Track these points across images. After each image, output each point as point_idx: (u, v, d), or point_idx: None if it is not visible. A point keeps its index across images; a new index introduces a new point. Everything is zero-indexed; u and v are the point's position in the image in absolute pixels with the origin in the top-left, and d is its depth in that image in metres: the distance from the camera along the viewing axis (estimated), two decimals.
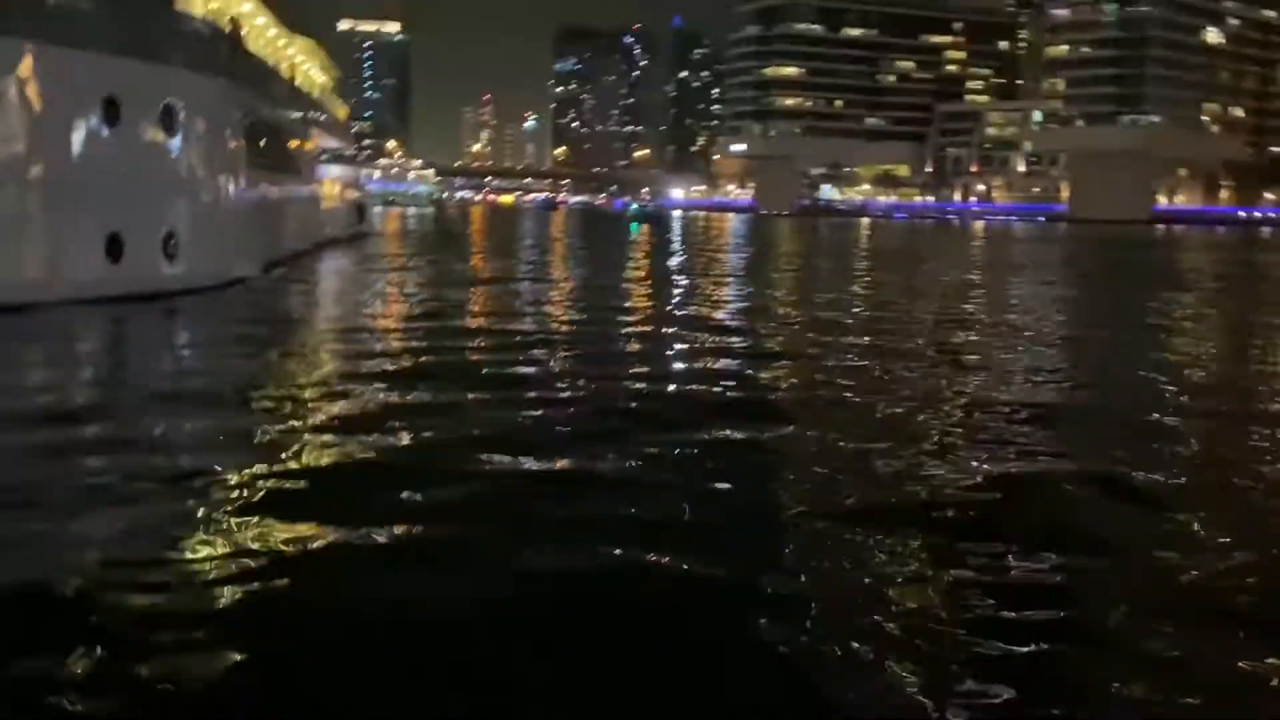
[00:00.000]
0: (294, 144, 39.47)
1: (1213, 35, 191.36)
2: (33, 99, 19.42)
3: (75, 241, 20.32)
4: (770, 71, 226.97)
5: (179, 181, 23.21)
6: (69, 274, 20.08)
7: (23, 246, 19.70)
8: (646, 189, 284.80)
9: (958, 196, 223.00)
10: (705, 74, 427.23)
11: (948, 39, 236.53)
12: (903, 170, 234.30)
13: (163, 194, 22.65)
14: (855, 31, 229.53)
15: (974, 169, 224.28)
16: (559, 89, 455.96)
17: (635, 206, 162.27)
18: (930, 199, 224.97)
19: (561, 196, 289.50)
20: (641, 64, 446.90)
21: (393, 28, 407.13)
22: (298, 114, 41.81)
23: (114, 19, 21.09)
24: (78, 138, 20.53)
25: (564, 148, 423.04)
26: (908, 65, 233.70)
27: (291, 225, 37.04)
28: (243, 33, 27.45)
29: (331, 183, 52.83)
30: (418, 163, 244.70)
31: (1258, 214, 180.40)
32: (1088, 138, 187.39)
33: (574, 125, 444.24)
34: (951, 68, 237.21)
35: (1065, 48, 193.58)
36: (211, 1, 25.12)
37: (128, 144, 21.46)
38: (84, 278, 20.32)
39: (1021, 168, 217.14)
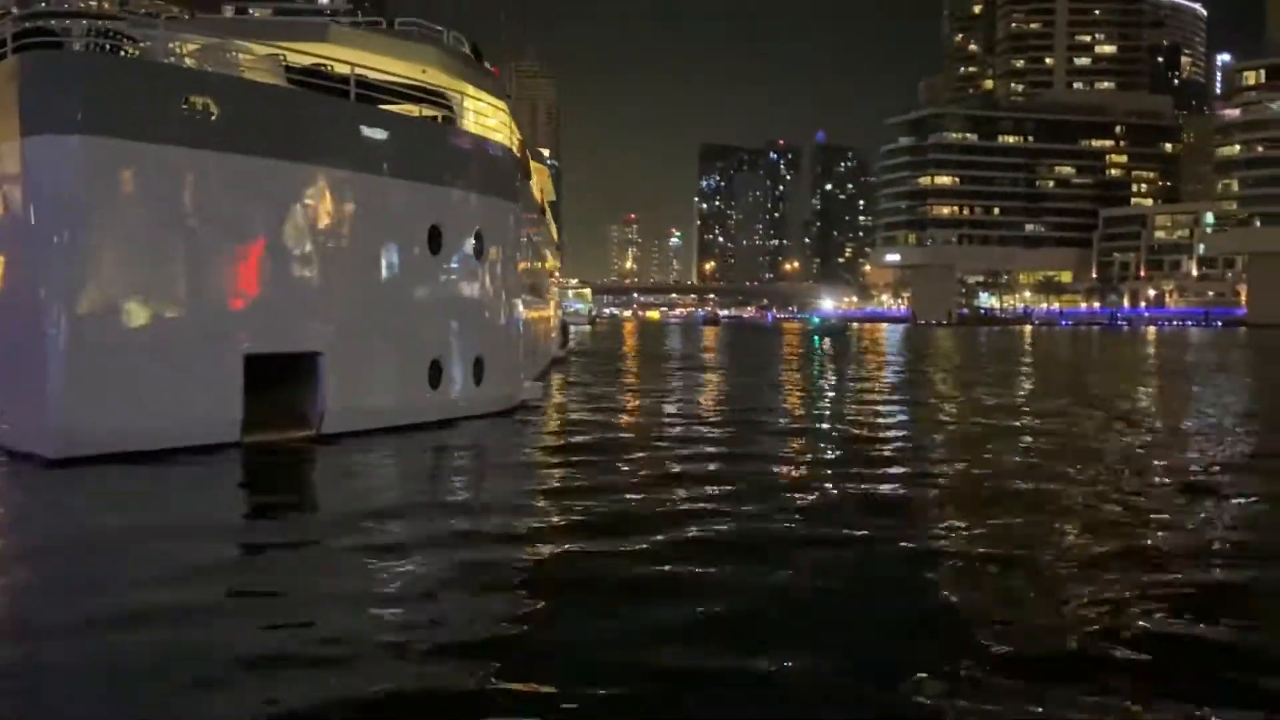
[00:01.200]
0: (542, 265, 39.75)
1: None
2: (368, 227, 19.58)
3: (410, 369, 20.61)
4: (925, 181, 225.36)
5: (486, 307, 23.15)
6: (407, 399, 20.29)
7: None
8: (793, 303, 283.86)
9: (1126, 302, 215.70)
10: (850, 186, 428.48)
11: (1109, 143, 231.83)
12: (1065, 276, 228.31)
13: (475, 320, 22.58)
14: (1010, 139, 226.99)
15: (1142, 273, 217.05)
16: (704, 205, 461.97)
17: (817, 320, 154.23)
18: (1096, 305, 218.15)
19: (703, 310, 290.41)
20: (785, 178, 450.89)
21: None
22: (544, 235, 42.24)
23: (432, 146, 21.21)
24: (406, 265, 20.40)
25: (711, 262, 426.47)
26: (1067, 170, 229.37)
27: (540, 345, 37.13)
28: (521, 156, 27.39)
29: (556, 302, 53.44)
30: (574, 280, 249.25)
31: None
32: (1266, 239, 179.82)
33: (719, 240, 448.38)
34: (1114, 171, 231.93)
35: (1237, 148, 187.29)
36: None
37: (448, 272, 21.44)
38: (417, 403, 20.40)
39: (1194, 270, 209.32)
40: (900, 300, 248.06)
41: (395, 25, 21.89)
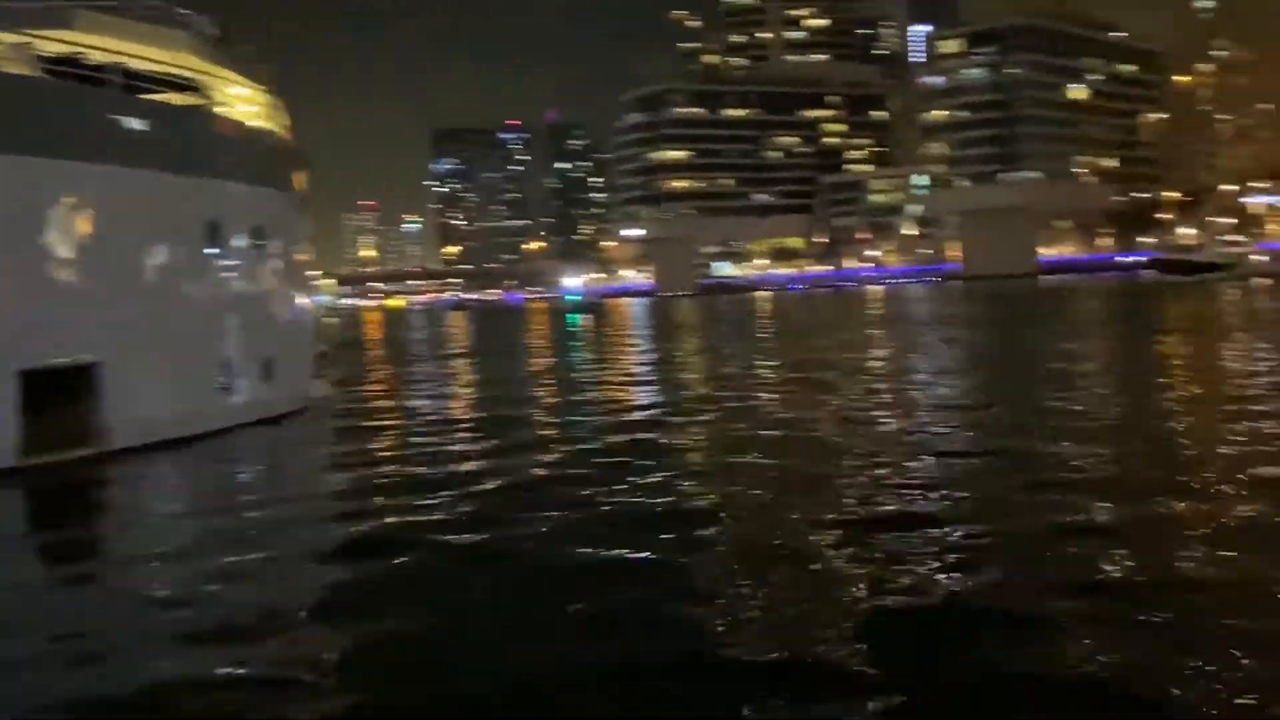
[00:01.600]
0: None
1: (1077, 92, 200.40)
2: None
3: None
4: (657, 156, 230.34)
5: (272, 303, 22.20)
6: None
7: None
8: (539, 282, 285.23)
9: (851, 263, 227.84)
10: (585, 164, 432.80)
11: (826, 112, 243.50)
12: (796, 242, 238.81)
13: (262, 317, 21.65)
14: (736, 112, 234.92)
15: (863, 236, 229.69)
16: (441, 188, 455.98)
17: (573, 296, 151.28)
18: (825, 268, 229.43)
19: (449, 295, 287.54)
20: (521, 158, 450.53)
21: None
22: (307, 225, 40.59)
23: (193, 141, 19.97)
24: (183, 263, 19.29)
25: (453, 246, 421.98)
26: (790, 140, 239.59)
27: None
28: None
29: None
30: (318, 273, 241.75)
31: (1133, 258, 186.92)
32: (971, 198, 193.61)
33: (459, 223, 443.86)
34: (831, 140, 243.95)
35: (942, 113, 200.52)
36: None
37: (230, 269, 20.47)
38: (206, 410, 19.62)
39: (910, 231, 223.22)
40: (643, 273, 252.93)
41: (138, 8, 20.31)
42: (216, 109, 21.14)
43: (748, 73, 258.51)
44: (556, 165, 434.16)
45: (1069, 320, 51.65)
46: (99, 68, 18.15)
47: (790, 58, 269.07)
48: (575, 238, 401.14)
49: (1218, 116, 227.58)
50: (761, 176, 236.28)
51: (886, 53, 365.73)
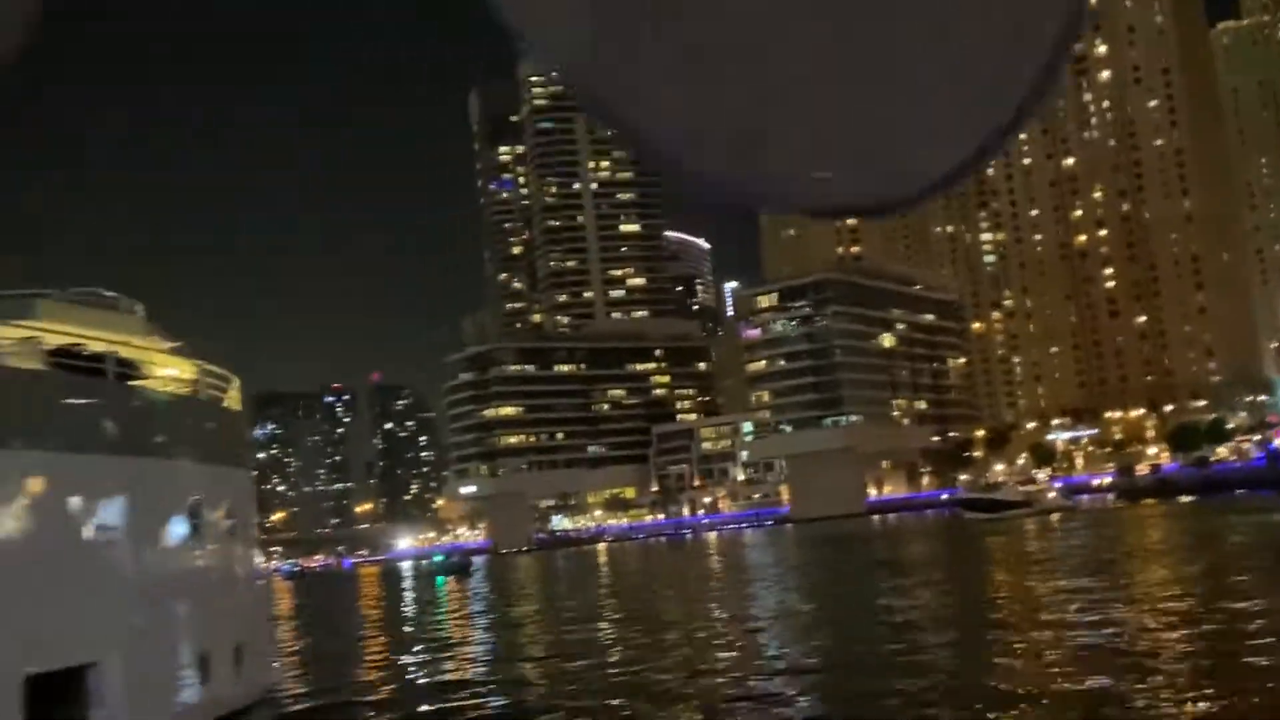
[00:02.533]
0: None
1: (888, 340, 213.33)
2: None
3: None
4: (490, 413, 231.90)
5: (241, 585, 21.48)
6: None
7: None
8: (368, 545, 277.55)
9: (686, 511, 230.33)
10: (409, 424, 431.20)
11: (651, 365, 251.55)
12: (630, 492, 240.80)
13: (235, 600, 20.86)
14: (565, 368, 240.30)
15: (697, 483, 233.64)
16: (261, 455, 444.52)
17: (440, 557, 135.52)
18: (660, 516, 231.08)
19: (288, 563, 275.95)
20: (344, 421, 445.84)
21: None
22: None
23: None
24: (172, 550, 18.71)
25: (276, 513, 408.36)
26: (619, 393, 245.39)
27: None
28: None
29: None
30: None
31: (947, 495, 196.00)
32: (798, 442, 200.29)
33: (280, 489, 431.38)
34: (659, 391, 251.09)
35: (763, 363, 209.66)
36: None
37: (208, 553, 19.82)
38: (190, 704, 18.56)
39: (740, 476, 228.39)
40: (477, 531, 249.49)
41: (72, 293, 20.06)
42: (201, 394, 21.15)
43: (574, 330, 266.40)
44: (384, 427, 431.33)
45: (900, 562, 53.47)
46: (98, 358, 17.93)
47: (615, 314, 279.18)
48: (405, 498, 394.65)
49: (1014, 359, 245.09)
50: (593, 429, 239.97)
51: (698, 307, 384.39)
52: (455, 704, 20.43)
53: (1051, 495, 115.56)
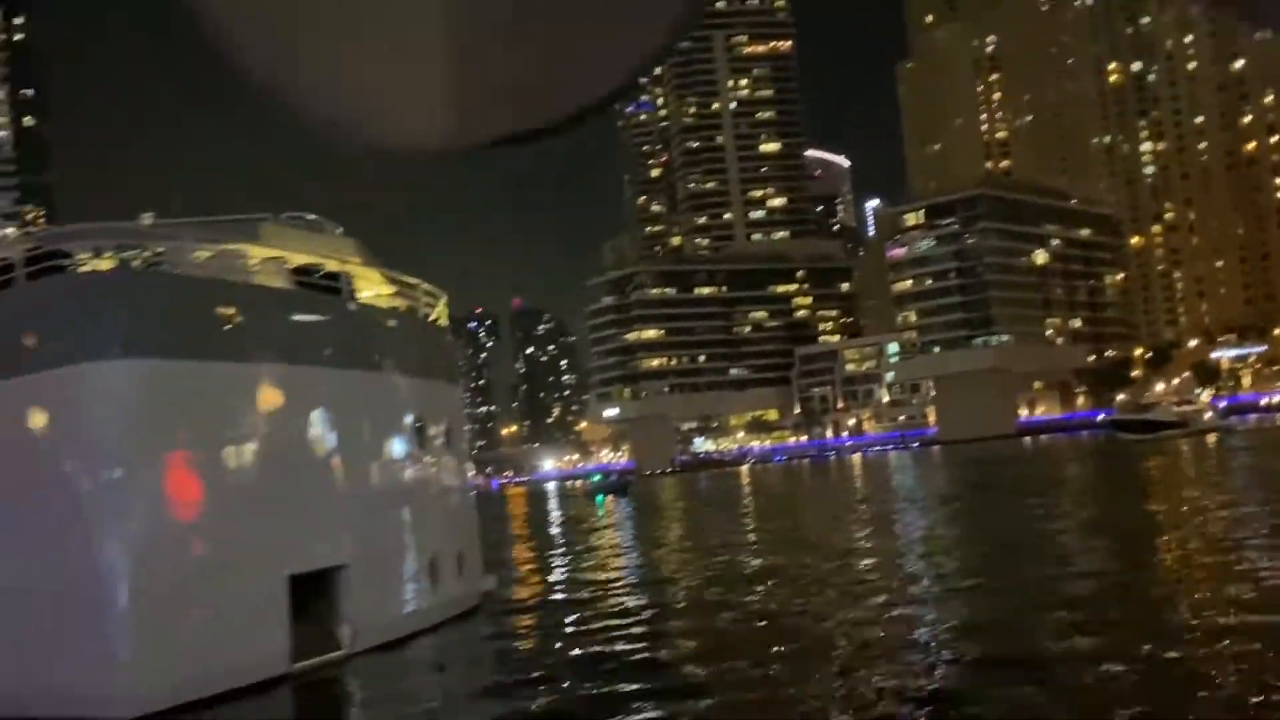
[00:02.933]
0: None
1: (1041, 257, 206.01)
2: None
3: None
4: (632, 336, 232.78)
5: (457, 497, 22.38)
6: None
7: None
8: (514, 467, 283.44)
9: (829, 433, 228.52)
10: (551, 348, 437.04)
11: (793, 286, 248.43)
12: (772, 414, 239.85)
13: (455, 511, 21.92)
14: (706, 290, 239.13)
15: (840, 405, 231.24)
16: None
17: (598, 477, 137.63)
18: (804, 438, 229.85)
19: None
20: (488, 345, 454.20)
21: None
22: None
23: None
24: (406, 463, 19.82)
25: None
26: (760, 315, 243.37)
27: None
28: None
29: None
30: None
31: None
32: (946, 363, 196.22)
33: None
34: (801, 313, 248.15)
35: (909, 283, 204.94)
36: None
37: (432, 465, 20.80)
38: (423, 606, 19.60)
39: (885, 398, 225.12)
40: (620, 453, 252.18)
41: (284, 218, 20.34)
42: (423, 312, 22.01)
43: (714, 252, 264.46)
44: (526, 351, 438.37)
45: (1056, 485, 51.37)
46: (333, 276, 18.68)
47: (755, 235, 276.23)
48: (547, 421, 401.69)
49: (1175, 275, 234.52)
50: (735, 351, 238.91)
51: (838, 227, 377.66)
52: (649, 603, 20.83)
53: (1208, 415, 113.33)
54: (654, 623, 18.63)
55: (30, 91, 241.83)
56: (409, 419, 19.92)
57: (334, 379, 17.64)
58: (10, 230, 18.77)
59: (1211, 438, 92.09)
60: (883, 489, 62.40)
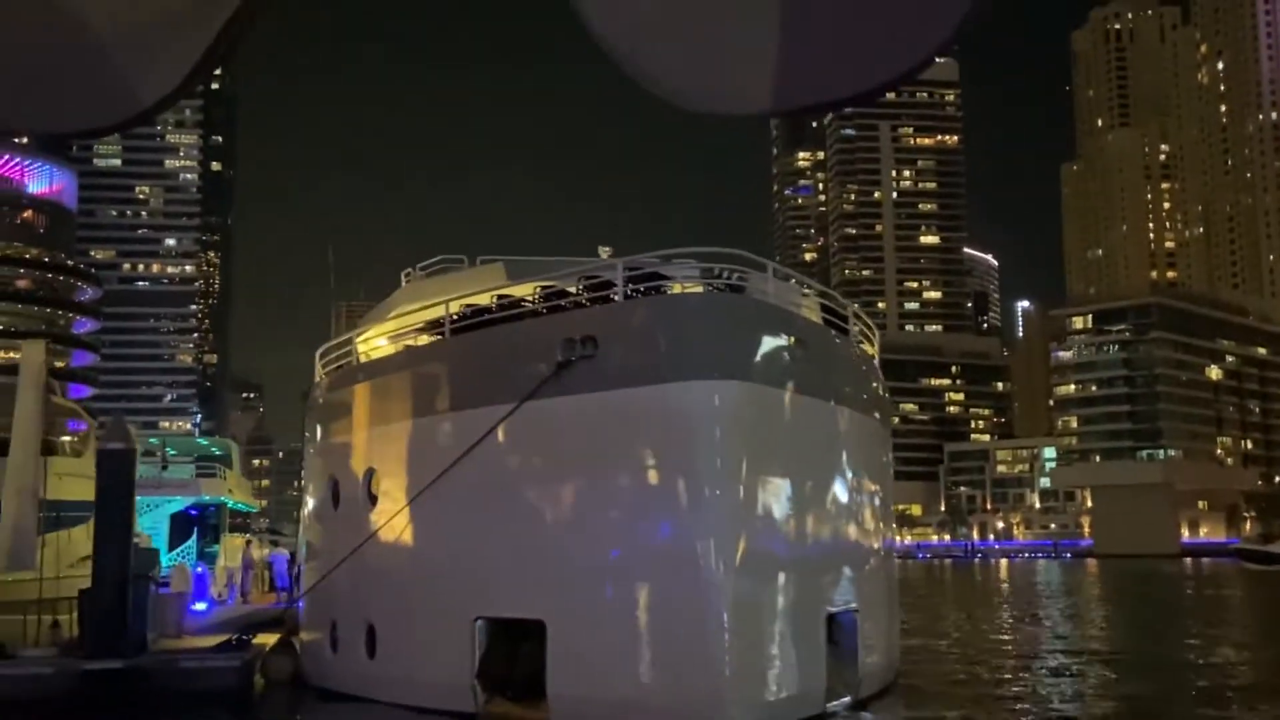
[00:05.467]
0: None
1: (1214, 372, 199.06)
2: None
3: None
4: None
5: (885, 548, 21.05)
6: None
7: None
8: None
9: (975, 534, 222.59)
10: None
11: (946, 381, 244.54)
12: (916, 509, 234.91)
13: (887, 565, 20.92)
14: None
15: (987, 506, 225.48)
16: None
17: None
18: (947, 537, 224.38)
19: None
20: None
21: None
22: None
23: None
24: (867, 506, 18.99)
25: None
26: (910, 407, 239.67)
27: None
28: None
29: None
30: None
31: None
32: (1107, 473, 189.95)
33: None
34: (952, 409, 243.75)
35: (1073, 387, 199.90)
36: None
37: (877, 514, 19.71)
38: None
39: (1037, 503, 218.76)
40: None
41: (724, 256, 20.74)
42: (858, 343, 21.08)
43: None
44: None
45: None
46: (841, 315, 19.25)
47: (908, 327, 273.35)
48: None
49: None
50: None
51: (986, 326, 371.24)
52: None
53: None
54: None
55: (219, 139, 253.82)
56: (886, 459, 20.19)
57: (848, 419, 17.82)
58: (606, 250, 19.42)
59: None
60: (1047, 597, 60.05)
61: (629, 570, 15.00)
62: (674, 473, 14.66)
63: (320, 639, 20.45)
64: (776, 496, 15.46)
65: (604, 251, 22.16)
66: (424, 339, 20.24)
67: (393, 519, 17.75)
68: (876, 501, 19.04)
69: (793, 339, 15.92)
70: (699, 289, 16.60)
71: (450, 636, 16.47)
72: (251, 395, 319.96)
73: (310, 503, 22.41)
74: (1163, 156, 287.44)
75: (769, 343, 15.46)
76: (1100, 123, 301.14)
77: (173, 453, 46.26)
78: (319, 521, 21.80)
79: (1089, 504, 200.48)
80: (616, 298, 16.03)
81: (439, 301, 18.27)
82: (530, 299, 17.72)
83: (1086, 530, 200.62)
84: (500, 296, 17.82)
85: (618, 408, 14.99)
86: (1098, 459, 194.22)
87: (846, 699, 16.62)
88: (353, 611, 19.08)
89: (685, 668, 14.20)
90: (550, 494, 15.90)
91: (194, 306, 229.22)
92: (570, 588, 15.46)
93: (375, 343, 22.87)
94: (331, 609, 19.88)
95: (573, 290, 17.29)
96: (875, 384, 20.55)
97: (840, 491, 17.23)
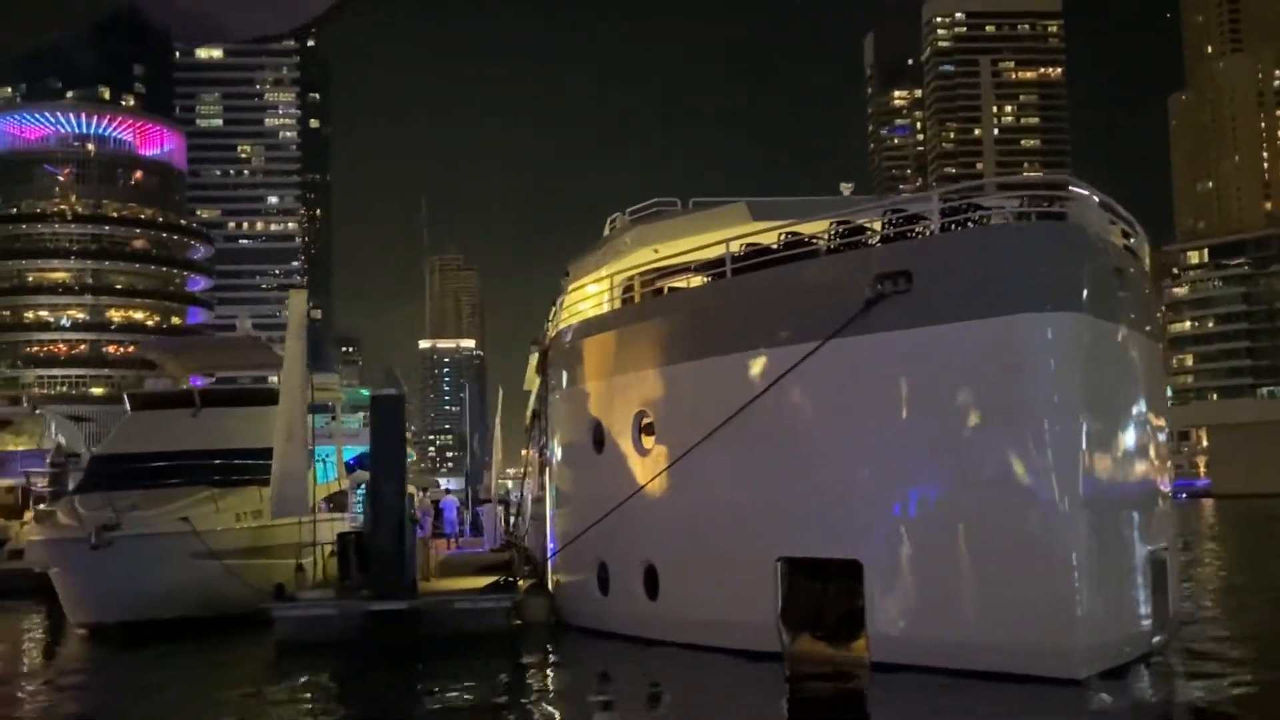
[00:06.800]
0: None
1: None
2: None
3: None
4: None
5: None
6: None
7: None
8: None
9: None
10: None
11: None
12: None
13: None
14: None
15: None
16: None
17: None
18: None
19: None
20: None
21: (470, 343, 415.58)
22: None
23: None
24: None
25: None
26: None
27: None
28: None
29: None
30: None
31: None
32: (1227, 411, 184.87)
33: None
34: None
35: (1188, 324, 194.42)
36: None
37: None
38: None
39: None
40: None
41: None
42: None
43: None
44: None
45: None
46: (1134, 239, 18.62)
47: None
48: None
49: None
50: None
51: None
52: None
53: None
54: None
55: (317, 96, 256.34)
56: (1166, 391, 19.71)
57: (1148, 350, 17.25)
58: (847, 187, 19.00)
59: None
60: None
61: (956, 510, 14.71)
62: (1007, 410, 14.35)
63: (583, 581, 20.50)
64: (1107, 433, 15.11)
65: (845, 189, 21.64)
66: (689, 281, 19.99)
67: (678, 461, 17.58)
68: (1162, 437, 18.34)
69: (1116, 269, 15.42)
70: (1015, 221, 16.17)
71: (752, 577, 16.34)
72: (351, 349, 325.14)
73: (558, 449, 22.38)
74: (1277, 83, 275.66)
75: (1098, 273, 14.99)
76: (1210, 50, 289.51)
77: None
78: (572, 466, 21.79)
79: (1204, 443, 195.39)
80: (931, 230, 15.62)
81: (719, 240, 17.93)
82: (821, 236, 17.31)
83: (1202, 470, 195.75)
84: (790, 234, 17.41)
85: (938, 343, 14.64)
86: (1214, 397, 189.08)
87: (1163, 638, 16.23)
88: (629, 554, 19.03)
89: (1029, 608, 13.95)
90: (860, 433, 15.58)
91: (296, 263, 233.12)
92: (890, 528, 15.21)
93: (588, 289, 22.67)
94: (599, 551, 19.86)
95: (874, 227, 16.86)
96: (1158, 313, 19.94)
97: (1148, 427, 16.73)
